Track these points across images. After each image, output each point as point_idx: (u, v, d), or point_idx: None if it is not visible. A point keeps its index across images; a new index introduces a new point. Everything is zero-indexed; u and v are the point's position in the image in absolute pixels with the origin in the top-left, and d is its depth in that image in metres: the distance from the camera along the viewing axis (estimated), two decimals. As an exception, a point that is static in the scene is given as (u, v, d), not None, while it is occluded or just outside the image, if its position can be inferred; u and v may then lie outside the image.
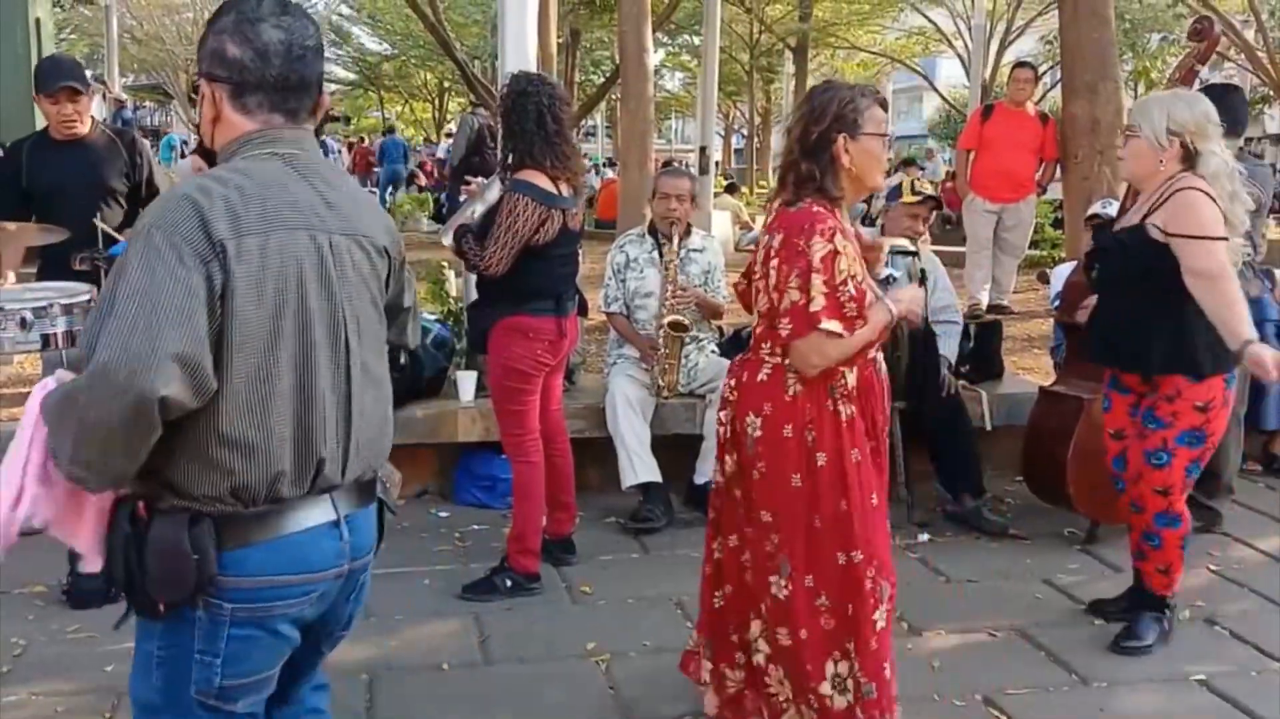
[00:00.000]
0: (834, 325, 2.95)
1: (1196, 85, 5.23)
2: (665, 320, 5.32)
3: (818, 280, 2.94)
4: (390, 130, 28.07)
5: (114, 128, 5.29)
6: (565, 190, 4.38)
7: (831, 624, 3.10)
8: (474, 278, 4.78)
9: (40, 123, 6.39)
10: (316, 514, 2.10)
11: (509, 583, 4.51)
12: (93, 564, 2.10)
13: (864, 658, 3.08)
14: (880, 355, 3.23)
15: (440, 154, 24.40)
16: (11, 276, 4.84)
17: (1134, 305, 3.96)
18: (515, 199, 4.26)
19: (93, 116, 5.03)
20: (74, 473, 1.91)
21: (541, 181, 4.30)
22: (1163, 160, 3.84)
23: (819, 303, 2.94)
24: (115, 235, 4.48)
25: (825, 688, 3.10)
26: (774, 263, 3.03)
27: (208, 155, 2.10)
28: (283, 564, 2.06)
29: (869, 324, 3.03)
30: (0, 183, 5.09)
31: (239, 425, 1.97)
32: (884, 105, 3.15)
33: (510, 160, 4.39)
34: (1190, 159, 3.83)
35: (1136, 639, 4.08)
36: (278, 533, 2.05)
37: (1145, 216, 3.86)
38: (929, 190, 6.12)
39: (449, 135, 26.87)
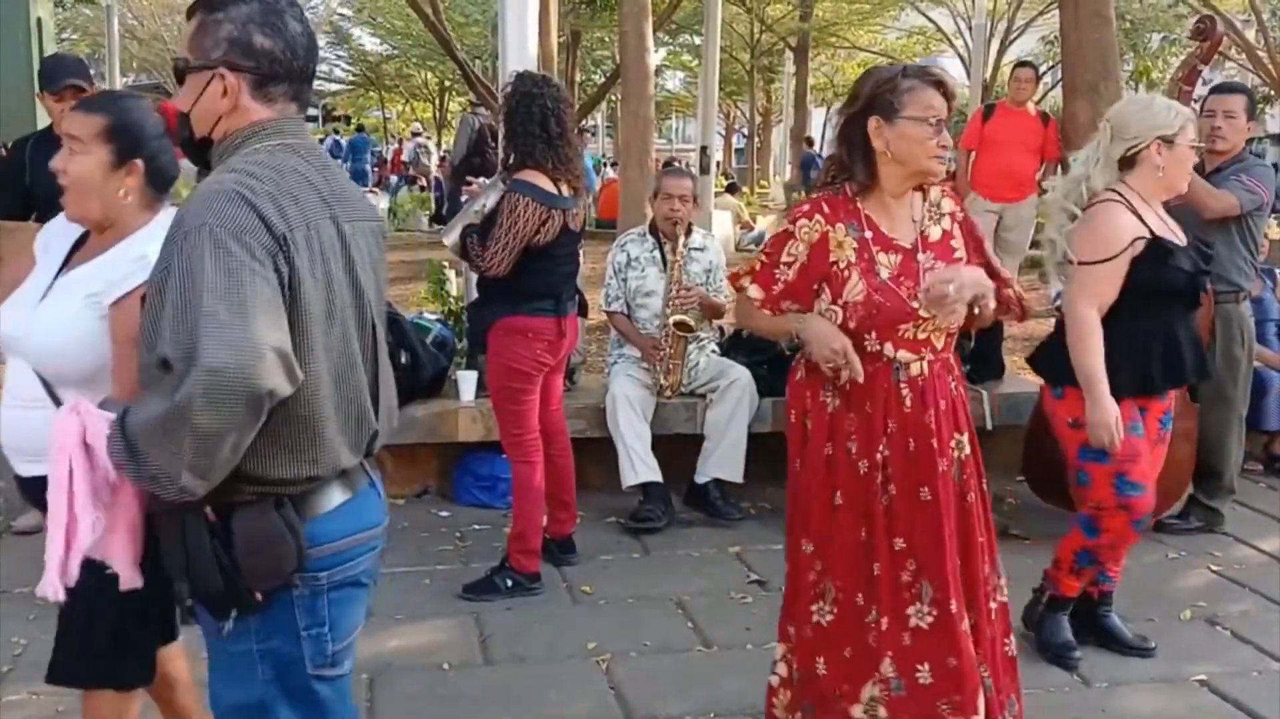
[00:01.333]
0: (753, 290, 3.01)
1: (1200, 85, 5.25)
2: (671, 320, 5.32)
3: (758, 252, 3.04)
4: (360, 129, 28.26)
5: None
6: (566, 191, 4.38)
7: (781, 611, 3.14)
8: (474, 277, 4.78)
9: (42, 121, 6.40)
10: (364, 478, 2.23)
11: (509, 583, 4.50)
12: (132, 581, 2.15)
13: (799, 645, 3.06)
14: (916, 361, 2.94)
15: (406, 156, 24.32)
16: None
17: None
18: (516, 199, 4.26)
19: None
20: (188, 487, 1.88)
21: (542, 182, 4.31)
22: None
23: (748, 267, 3.05)
24: None
25: (773, 678, 3.16)
26: None
27: (188, 146, 2.16)
28: (354, 525, 2.18)
29: (774, 321, 3.04)
30: (3, 181, 5.09)
31: (311, 408, 2.03)
32: (941, 87, 2.89)
33: (511, 160, 4.39)
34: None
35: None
36: (345, 499, 2.15)
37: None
38: None
39: (415, 134, 26.90)
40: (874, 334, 2.90)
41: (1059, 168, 8.52)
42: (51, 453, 2.01)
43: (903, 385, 2.92)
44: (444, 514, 5.52)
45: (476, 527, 5.30)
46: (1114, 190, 3.75)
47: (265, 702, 2.12)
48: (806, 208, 2.98)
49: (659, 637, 4.17)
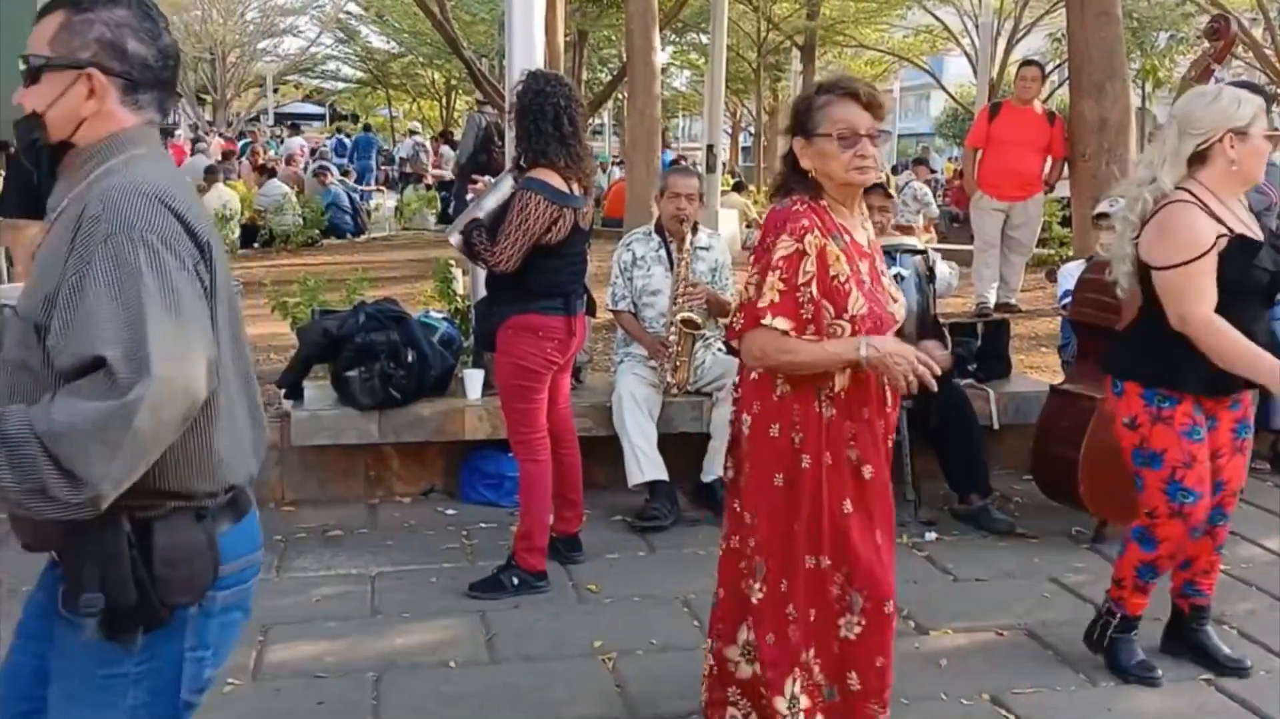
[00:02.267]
0: (779, 323, 2.90)
1: (1212, 83, 5.23)
2: (678, 317, 5.32)
3: (773, 278, 2.91)
4: (367, 128, 28.26)
5: None
6: (577, 190, 4.39)
7: (798, 635, 3.04)
8: (482, 276, 4.78)
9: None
10: (248, 496, 2.12)
11: (516, 581, 4.51)
12: None
13: (827, 662, 3.04)
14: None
15: (404, 154, 24.28)
16: (20, 269, 4.88)
17: None
18: (528, 197, 4.27)
19: (14, 124, 5.05)
20: (99, 497, 1.76)
21: (554, 180, 4.31)
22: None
23: (767, 299, 2.91)
24: None
25: (781, 705, 3.04)
26: (752, 260, 3.08)
27: (34, 149, 2.04)
28: (249, 542, 2.09)
29: (827, 350, 2.90)
30: (8, 179, 5.11)
31: (226, 417, 1.98)
32: (860, 96, 2.90)
33: (523, 158, 4.39)
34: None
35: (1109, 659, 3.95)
36: (245, 512, 2.07)
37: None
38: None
39: (412, 133, 26.87)
40: None
41: (1065, 166, 8.52)
42: None
43: (886, 388, 3.01)
44: (450, 512, 5.52)
45: (483, 525, 5.30)
46: (1183, 189, 3.59)
47: None
48: (805, 222, 2.91)
49: (665, 635, 4.17)
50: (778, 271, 2.90)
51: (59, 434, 1.74)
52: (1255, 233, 3.64)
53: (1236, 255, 3.54)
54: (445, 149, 25.01)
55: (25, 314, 1.90)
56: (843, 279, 2.91)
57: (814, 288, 2.89)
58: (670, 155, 20.06)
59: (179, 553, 1.92)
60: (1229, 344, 3.51)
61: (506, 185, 4.51)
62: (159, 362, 1.76)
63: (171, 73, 2.08)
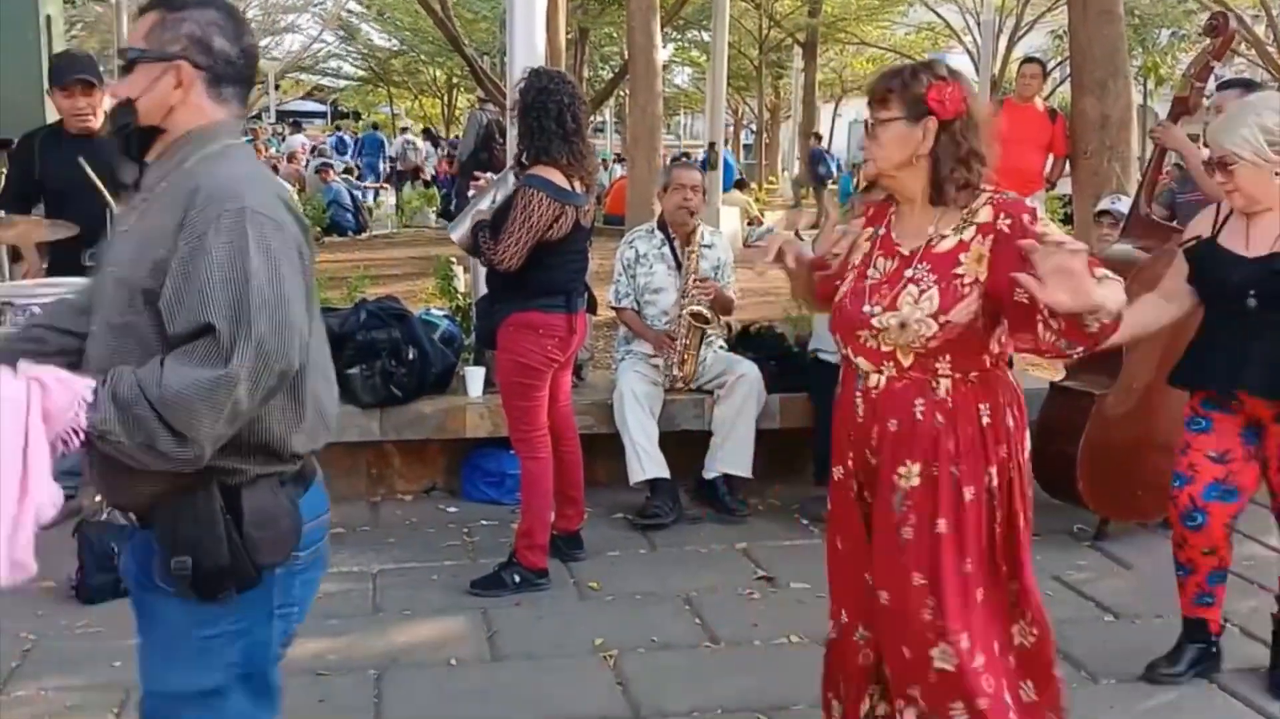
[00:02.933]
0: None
1: (1212, 81, 5.22)
2: (687, 310, 5.32)
3: None
4: (375, 126, 28.31)
5: None
6: (579, 188, 4.39)
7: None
8: (484, 273, 4.78)
9: (51, 117, 6.41)
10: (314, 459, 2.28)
11: (517, 579, 4.51)
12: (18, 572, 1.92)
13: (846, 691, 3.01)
14: (874, 373, 2.76)
15: (393, 152, 24.28)
16: (26, 268, 4.88)
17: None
18: (530, 194, 4.27)
19: (106, 112, 5.05)
20: (205, 451, 1.95)
21: (556, 178, 4.32)
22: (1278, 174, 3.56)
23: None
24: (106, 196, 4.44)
25: None
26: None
27: (127, 140, 2.18)
28: (323, 502, 2.28)
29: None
30: (11, 175, 5.12)
31: (314, 382, 2.17)
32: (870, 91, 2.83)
33: (525, 155, 4.39)
34: None
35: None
36: (311, 477, 2.24)
37: None
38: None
39: (403, 130, 26.88)
40: (839, 337, 2.84)
41: (1066, 163, 8.52)
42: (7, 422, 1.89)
43: (859, 395, 2.79)
44: (452, 510, 5.52)
45: (484, 523, 5.30)
46: None
47: (223, 687, 2.14)
48: (863, 210, 2.98)
49: (666, 633, 4.17)
50: None
51: (169, 399, 1.91)
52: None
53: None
54: (426, 145, 25.08)
55: (131, 280, 2.04)
56: (852, 266, 2.86)
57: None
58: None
59: (266, 516, 2.08)
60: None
61: (509, 183, 4.52)
62: (261, 336, 1.94)
63: (251, 71, 2.27)
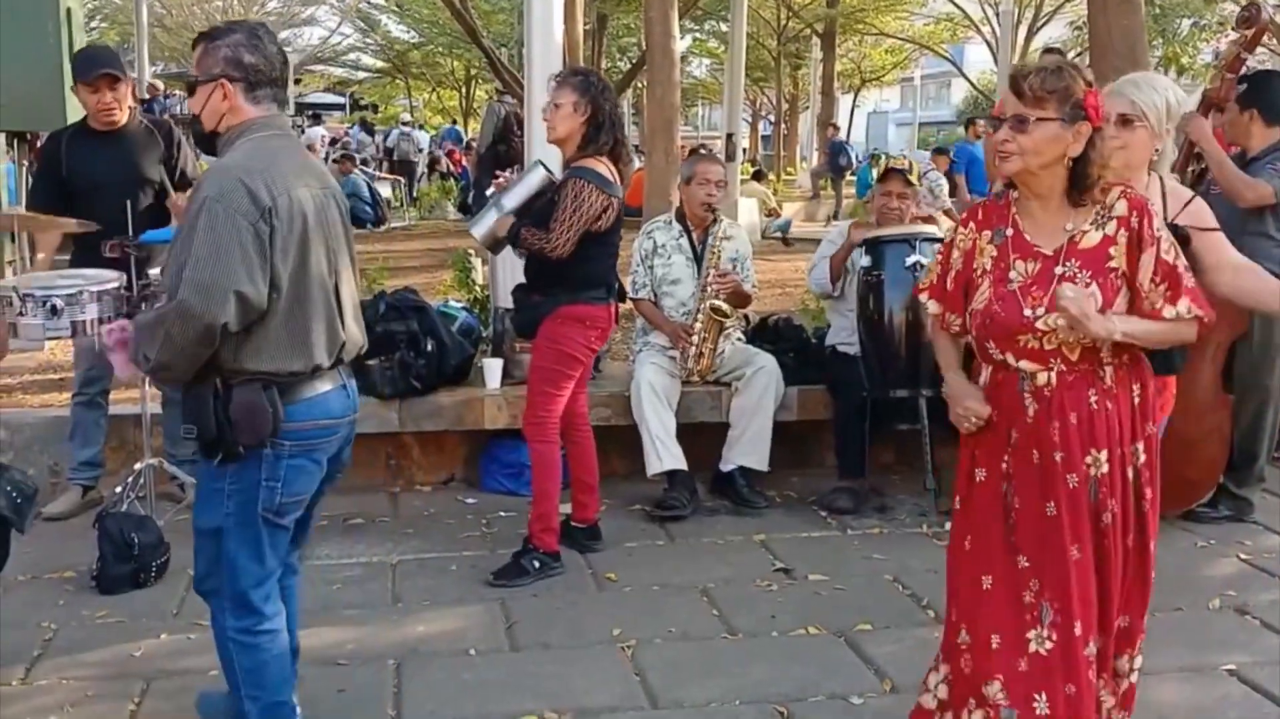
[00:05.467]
0: (932, 306, 2.98)
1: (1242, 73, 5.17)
2: (707, 304, 5.32)
3: (934, 262, 3.04)
4: (454, 120, 28.45)
5: (151, 118, 5.32)
6: (616, 180, 4.49)
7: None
8: (501, 266, 4.79)
9: (72, 113, 6.44)
10: (333, 379, 3.01)
11: (537, 563, 4.54)
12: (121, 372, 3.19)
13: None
14: (1043, 372, 2.78)
15: (389, 143, 24.31)
16: (44, 256, 4.89)
17: None
18: (580, 185, 4.35)
19: (130, 106, 5.06)
20: (154, 370, 2.84)
21: (603, 169, 4.41)
22: (1156, 153, 3.49)
23: (927, 280, 3.04)
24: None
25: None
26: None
27: (205, 139, 3.03)
28: (319, 413, 2.96)
29: (943, 349, 3.05)
30: (39, 173, 5.14)
31: (293, 324, 2.85)
32: (1014, 80, 2.77)
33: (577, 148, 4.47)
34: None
35: None
36: (315, 391, 2.95)
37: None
38: (894, 164, 6.00)
39: (403, 123, 26.91)
40: (992, 343, 2.82)
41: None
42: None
43: (1027, 395, 2.80)
44: (470, 501, 5.53)
45: (502, 513, 5.31)
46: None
47: (229, 526, 2.95)
48: (965, 215, 2.97)
49: (684, 624, 4.17)
50: (937, 256, 3.02)
51: (137, 327, 2.91)
52: None
53: None
54: (363, 136, 25.38)
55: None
56: (979, 273, 2.84)
57: (950, 279, 2.92)
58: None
59: (246, 409, 2.83)
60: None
61: (535, 177, 4.54)
62: (184, 290, 2.70)
63: (280, 73, 2.99)
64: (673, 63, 11.47)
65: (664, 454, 5.24)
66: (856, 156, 24.45)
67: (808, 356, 5.84)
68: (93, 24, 32.48)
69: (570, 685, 3.71)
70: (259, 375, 2.83)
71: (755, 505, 5.37)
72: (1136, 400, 2.82)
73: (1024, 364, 2.79)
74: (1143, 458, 2.84)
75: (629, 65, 25.68)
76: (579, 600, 4.40)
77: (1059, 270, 2.74)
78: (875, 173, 5.72)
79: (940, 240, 5.48)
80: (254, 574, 2.99)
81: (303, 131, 26.51)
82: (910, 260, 5.12)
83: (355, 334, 3.08)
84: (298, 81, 37.97)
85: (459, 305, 6.08)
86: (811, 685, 3.65)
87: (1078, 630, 2.79)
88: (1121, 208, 2.76)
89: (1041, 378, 2.79)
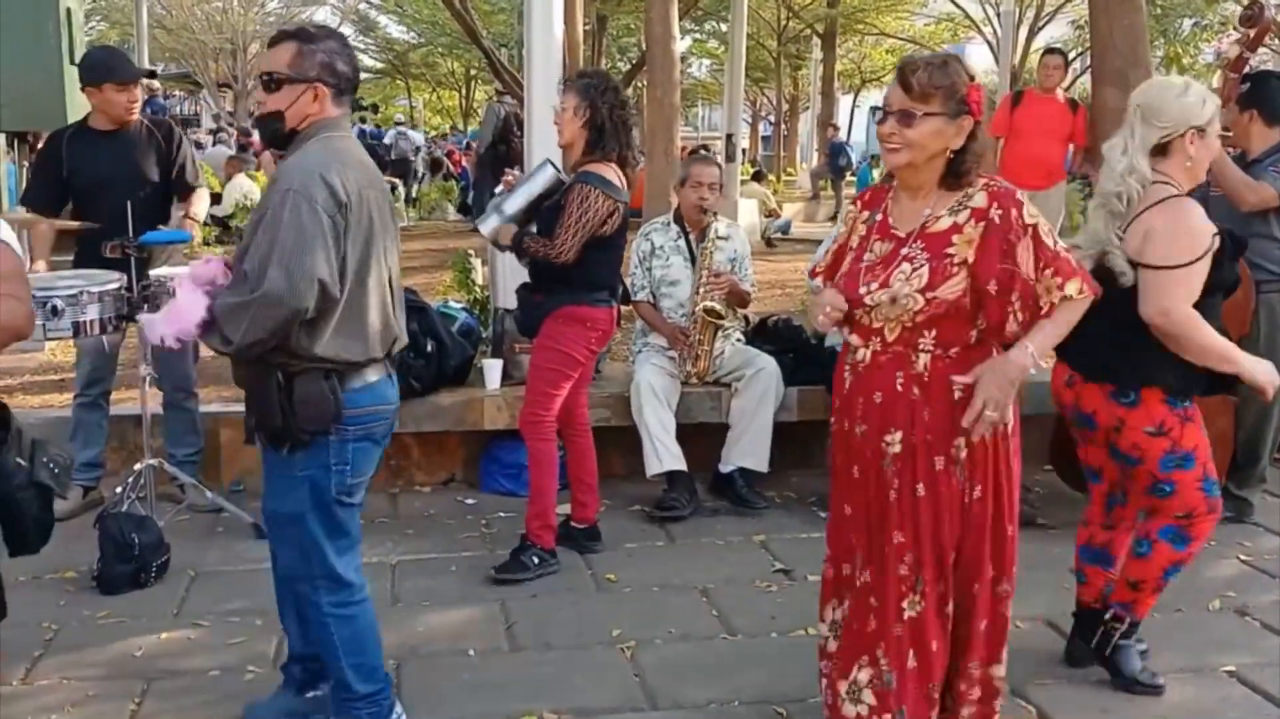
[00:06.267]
0: (814, 281, 3.29)
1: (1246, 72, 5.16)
2: (700, 306, 5.32)
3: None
4: (400, 122, 28.65)
5: (152, 118, 5.34)
6: (622, 184, 4.51)
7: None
8: (501, 267, 4.79)
9: (72, 113, 6.44)
10: (383, 369, 3.17)
11: (536, 559, 4.56)
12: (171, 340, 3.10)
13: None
14: (862, 348, 2.95)
15: (387, 139, 24.37)
16: (41, 265, 4.88)
17: None
18: (586, 190, 4.37)
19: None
20: (239, 350, 2.94)
21: (610, 174, 4.43)
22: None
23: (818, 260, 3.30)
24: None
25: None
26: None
27: (276, 138, 3.15)
28: (376, 399, 3.13)
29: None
30: (40, 173, 5.14)
31: (354, 314, 3.01)
32: (900, 73, 2.84)
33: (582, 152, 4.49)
34: None
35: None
36: (372, 380, 3.11)
37: None
38: None
39: (398, 123, 26.94)
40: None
41: (1087, 155, 8.49)
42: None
43: (847, 368, 3.01)
44: (470, 502, 5.54)
45: (502, 514, 5.32)
46: (1165, 183, 3.48)
47: (302, 513, 3.09)
48: (856, 196, 3.18)
49: (683, 625, 4.18)
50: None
51: (218, 312, 2.96)
52: None
53: (1222, 253, 3.48)
54: (416, 135, 25.49)
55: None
56: (851, 249, 3.02)
57: (830, 252, 3.13)
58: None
59: (309, 397, 2.98)
60: (1211, 339, 3.46)
61: (542, 177, 4.55)
62: (270, 277, 2.84)
63: (358, 80, 3.24)
64: (673, 63, 11.47)
65: (664, 455, 5.24)
66: (856, 157, 24.46)
67: (807, 357, 5.84)
68: (91, 24, 32.48)
69: (570, 686, 3.72)
70: (320, 362, 2.97)
71: (755, 506, 5.37)
72: (957, 395, 2.87)
73: (853, 338, 2.96)
74: (964, 453, 2.92)
75: (629, 65, 25.68)
76: (579, 601, 4.40)
77: (904, 251, 2.87)
78: (875, 173, 5.73)
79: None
80: (340, 549, 3.16)
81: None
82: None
83: (403, 329, 3.24)
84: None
85: (459, 306, 6.08)
86: (811, 686, 3.65)
87: (845, 571, 3.14)
88: (980, 199, 2.83)
89: (860, 353, 2.95)
